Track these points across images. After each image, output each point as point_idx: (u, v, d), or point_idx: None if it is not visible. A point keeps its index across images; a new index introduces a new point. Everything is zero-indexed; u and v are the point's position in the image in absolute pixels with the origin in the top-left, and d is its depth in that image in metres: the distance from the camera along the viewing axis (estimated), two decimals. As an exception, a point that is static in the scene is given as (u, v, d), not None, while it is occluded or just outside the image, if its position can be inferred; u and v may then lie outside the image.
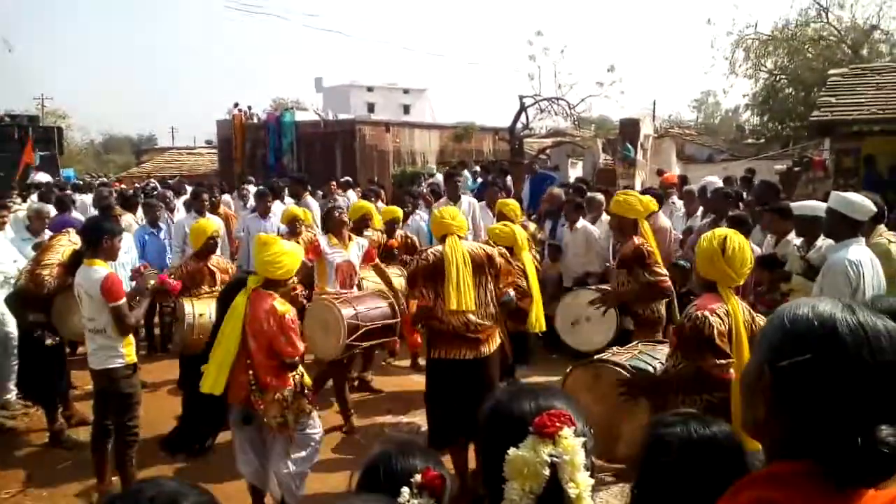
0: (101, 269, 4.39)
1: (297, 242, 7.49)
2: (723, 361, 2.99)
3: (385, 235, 7.37)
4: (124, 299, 4.38)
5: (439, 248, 4.44)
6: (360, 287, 6.06)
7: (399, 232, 7.59)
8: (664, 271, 4.85)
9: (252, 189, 11.50)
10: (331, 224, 6.11)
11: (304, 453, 4.13)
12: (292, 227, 7.50)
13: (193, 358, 5.21)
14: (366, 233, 6.76)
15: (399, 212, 7.71)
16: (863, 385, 1.06)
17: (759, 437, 1.22)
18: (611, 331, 5.35)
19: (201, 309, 5.32)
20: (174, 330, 5.72)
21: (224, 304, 4.18)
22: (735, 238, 3.18)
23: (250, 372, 3.96)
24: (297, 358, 4.02)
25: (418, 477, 1.55)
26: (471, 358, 4.41)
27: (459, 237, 4.52)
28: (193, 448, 5.04)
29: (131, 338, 4.56)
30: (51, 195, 10.27)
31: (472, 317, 4.34)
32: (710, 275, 3.20)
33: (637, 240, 4.87)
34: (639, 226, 4.97)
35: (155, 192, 12.52)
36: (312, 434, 4.19)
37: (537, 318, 5.53)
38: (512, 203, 6.75)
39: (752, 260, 3.25)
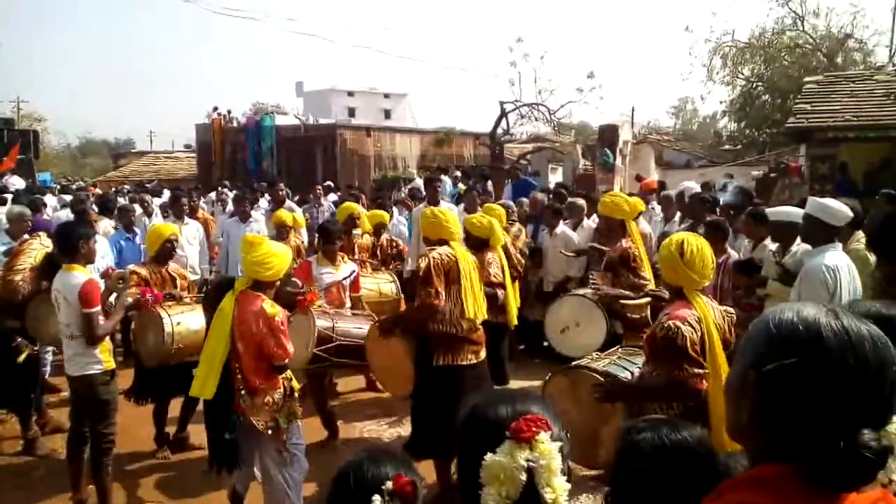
0: (80, 274, 4.34)
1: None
2: (697, 371, 2.98)
3: (373, 238, 7.42)
4: (98, 307, 4.31)
5: (447, 250, 4.38)
6: (353, 308, 5.86)
7: (385, 236, 7.63)
8: (648, 276, 4.87)
9: (230, 193, 11.46)
10: (324, 244, 5.92)
11: (295, 464, 4.01)
12: (280, 233, 7.47)
13: (155, 370, 5.11)
14: (354, 231, 6.75)
15: (386, 216, 7.73)
16: (846, 389, 1.07)
17: (743, 441, 1.22)
18: (601, 336, 5.31)
19: (178, 317, 5.02)
20: (138, 340, 5.27)
21: (211, 307, 4.05)
22: (692, 241, 3.17)
23: (238, 376, 3.86)
24: (286, 361, 3.93)
25: (389, 484, 1.55)
26: (475, 362, 4.44)
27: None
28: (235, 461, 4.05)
29: (108, 343, 4.49)
30: (23, 199, 10.14)
31: (477, 321, 4.42)
32: (675, 281, 3.19)
33: (626, 242, 4.89)
34: (626, 227, 4.99)
35: (129, 196, 12.45)
36: (299, 444, 4.09)
37: (511, 313, 5.54)
38: (497, 208, 6.71)
39: (713, 260, 3.22)
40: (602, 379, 3.56)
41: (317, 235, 6.47)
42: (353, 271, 5.99)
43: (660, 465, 1.60)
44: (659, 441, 1.64)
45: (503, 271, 5.43)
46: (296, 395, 4.07)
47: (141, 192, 12.59)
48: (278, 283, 4.11)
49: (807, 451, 1.09)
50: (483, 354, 4.51)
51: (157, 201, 10.84)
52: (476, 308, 4.32)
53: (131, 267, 5.34)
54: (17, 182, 17.74)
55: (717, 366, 3.00)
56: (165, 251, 5.46)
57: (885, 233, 3.84)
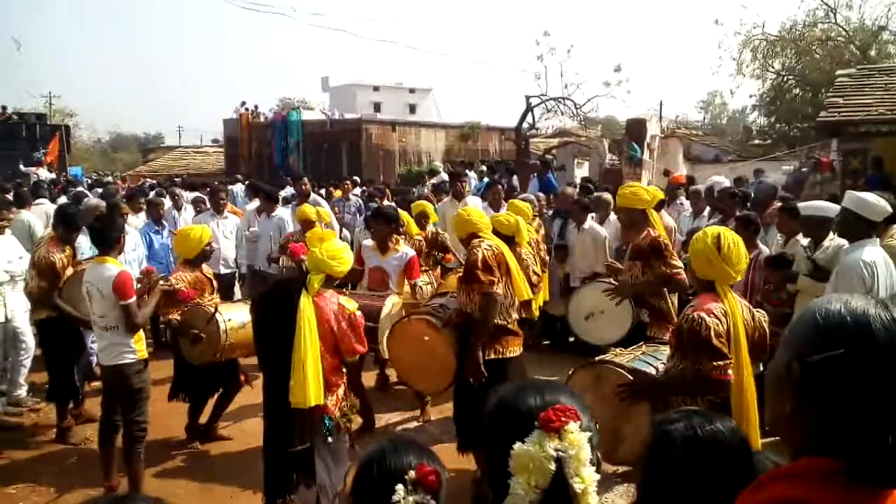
0: (112, 266, 4.39)
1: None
2: (721, 363, 2.96)
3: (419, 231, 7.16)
4: (135, 297, 4.39)
5: (489, 241, 4.52)
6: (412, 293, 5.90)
7: (429, 227, 7.37)
8: (680, 263, 4.80)
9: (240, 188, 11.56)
10: (378, 229, 5.98)
11: (341, 462, 3.91)
12: (306, 229, 7.47)
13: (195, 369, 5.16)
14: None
15: (429, 206, 7.51)
16: (894, 382, 1.05)
17: (784, 433, 1.20)
18: (626, 324, 5.09)
19: (227, 314, 5.01)
20: (183, 339, 5.15)
21: (267, 309, 3.87)
22: (729, 235, 3.16)
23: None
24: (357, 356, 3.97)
25: (412, 473, 1.55)
26: (518, 354, 4.57)
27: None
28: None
29: (142, 333, 4.57)
30: (42, 192, 10.46)
31: (514, 313, 4.55)
32: (708, 274, 3.16)
33: (653, 231, 4.83)
34: (648, 216, 4.92)
35: (157, 190, 12.63)
36: (346, 442, 4.02)
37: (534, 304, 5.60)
38: (522, 204, 6.65)
39: (746, 256, 3.22)
40: (628, 376, 3.52)
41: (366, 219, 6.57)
42: (405, 255, 5.95)
43: (693, 456, 1.59)
44: (692, 431, 1.63)
45: (530, 266, 5.45)
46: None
47: (172, 187, 12.73)
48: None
49: (851, 446, 1.06)
50: (522, 346, 4.64)
51: (187, 195, 10.92)
52: (525, 289, 4.59)
53: (177, 275, 5.21)
54: (42, 174, 18.21)
55: (740, 361, 2.98)
56: (205, 254, 5.41)
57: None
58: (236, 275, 8.74)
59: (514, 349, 4.52)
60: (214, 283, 5.55)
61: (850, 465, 1.06)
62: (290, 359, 3.62)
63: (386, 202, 10.26)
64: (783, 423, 1.18)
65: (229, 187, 12.75)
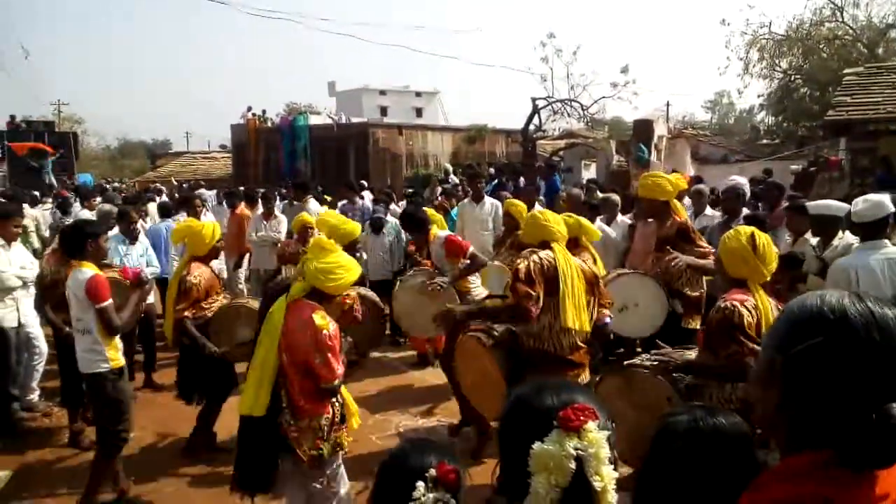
0: (87, 270, 4.33)
1: (306, 251, 7.56)
2: (755, 346, 2.94)
3: None
4: (109, 301, 4.31)
5: (548, 254, 3.89)
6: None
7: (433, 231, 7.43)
8: (708, 246, 4.78)
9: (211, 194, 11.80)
10: (416, 237, 6.13)
11: (341, 482, 3.65)
12: (303, 236, 7.53)
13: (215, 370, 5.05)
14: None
15: (437, 215, 7.50)
16: (874, 365, 1.08)
17: (772, 431, 1.23)
18: (661, 315, 4.95)
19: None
20: (220, 339, 5.02)
21: (261, 313, 3.73)
22: (761, 234, 3.20)
23: (282, 392, 3.48)
24: (335, 383, 3.44)
25: (433, 472, 1.58)
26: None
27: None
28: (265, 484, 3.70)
29: (117, 341, 4.45)
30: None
31: (578, 339, 3.89)
32: (741, 272, 3.19)
33: (677, 218, 4.81)
34: (671, 207, 4.90)
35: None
36: (337, 491, 3.63)
37: None
38: (522, 205, 6.68)
39: (777, 255, 3.28)
40: (659, 379, 3.46)
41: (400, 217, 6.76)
42: (441, 239, 5.88)
43: (692, 447, 1.60)
44: (693, 423, 1.65)
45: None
46: (345, 424, 3.65)
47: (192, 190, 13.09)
48: (338, 299, 3.72)
49: (836, 434, 1.09)
50: (585, 377, 3.97)
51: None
52: (577, 318, 3.78)
53: (198, 272, 5.08)
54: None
55: None
56: (217, 251, 5.35)
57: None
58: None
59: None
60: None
61: (835, 454, 1.09)
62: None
63: (394, 206, 10.30)
64: (771, 420, 1.21)
65: (202, 192, 13.07)
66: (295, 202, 9.92)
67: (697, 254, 4.67)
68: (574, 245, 5.20)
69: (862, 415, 1.06)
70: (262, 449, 3.50)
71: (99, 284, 4.27)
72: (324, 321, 3.39)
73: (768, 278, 3.22)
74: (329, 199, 12.43)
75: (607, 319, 4.08)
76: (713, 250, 4.66)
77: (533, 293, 3.69)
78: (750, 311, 3.04)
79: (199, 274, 5.06)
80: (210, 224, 5.44)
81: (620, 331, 5.43)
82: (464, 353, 4.35)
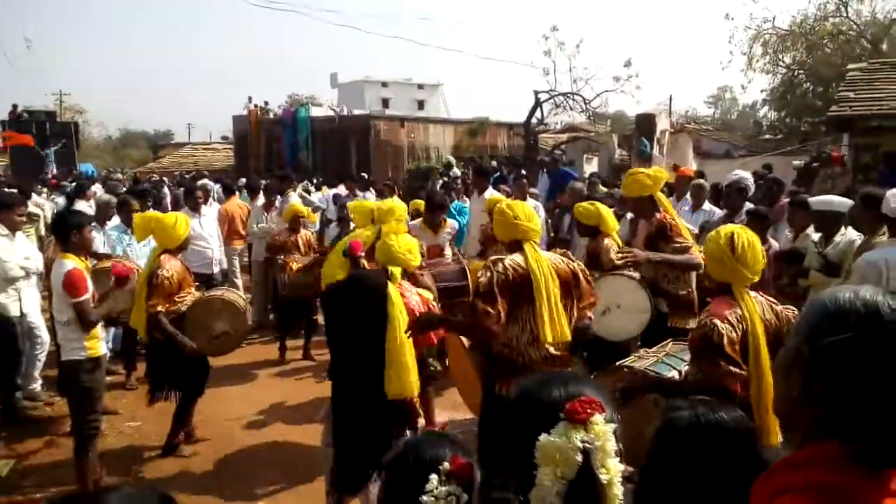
0: (67, 262, 4.31)
1: (297, 241, 7.58)
2: (734, 370, 2.80)
3: None
4: (87, 295, 4.29)
5: (518, 260, 3.47)
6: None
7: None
8: (688, 240, 4.65)
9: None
10: (435, 214, 6.59)
11: None
12: (294, 225, 7.55)
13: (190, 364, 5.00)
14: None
15: (422, 203, 7.48)
16: None
17: (790, 418, 1.23)
18: (645, 316, 4.79)
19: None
20: (195, 333, 4.94)
21: (336, 306, 3.75)
22: (743, 235, 2.99)
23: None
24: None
25: (447, 464, 1.57)
26: None
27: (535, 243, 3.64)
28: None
29: (98, 331, 4.47)
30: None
31: (552, 348, 3.51)
32: (723, 276, 3.00)
33: (658, 215, 4.69)
34: (656, 200, 4.80)
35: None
36: None
37: None
38: (499, 196, 6.87)
39: (763, 256, 3.04)
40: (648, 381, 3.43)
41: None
42: (454, 228, 6.66)
43: (694, 442, 1.61)
44: (694, 419, 1.65)
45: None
46: None
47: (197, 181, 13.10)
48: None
49: (857, 429, 1.09)
50: None
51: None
52: (553, 329, 3.41)
53: (169, 265, 4.93)
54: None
55: (760, 368, 2.80)
56: (186, 243, 5.19)
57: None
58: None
59: None
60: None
61: (854, 448, 1.09)
62: (375, 351, 3.53)
63: (396, 198, 10.25)
64: (790, 408, 1.21)
65: (205, 182, 13.03)
66: (279, 195, 9.55)
67: (674, 250, 4.57)
68: (593, 233, 5.20)
69: (887, 413, 1.06)
70: (381, 439, 3.44)
71: (75, 278, 4.24)
72: (427, 293, 4.02)
73: (755, 280, 3.01)
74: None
75: (587, 321, 3.83)
76: (690, 244, 4.60)
77: (492, 311, 3.35)
78: (732, 326, 2.84)
79: (170, 267, 4.89)
80: (180, 215, 5.22)
81: (603, 334, 5.06)
82: (452, 349, 4.55)
